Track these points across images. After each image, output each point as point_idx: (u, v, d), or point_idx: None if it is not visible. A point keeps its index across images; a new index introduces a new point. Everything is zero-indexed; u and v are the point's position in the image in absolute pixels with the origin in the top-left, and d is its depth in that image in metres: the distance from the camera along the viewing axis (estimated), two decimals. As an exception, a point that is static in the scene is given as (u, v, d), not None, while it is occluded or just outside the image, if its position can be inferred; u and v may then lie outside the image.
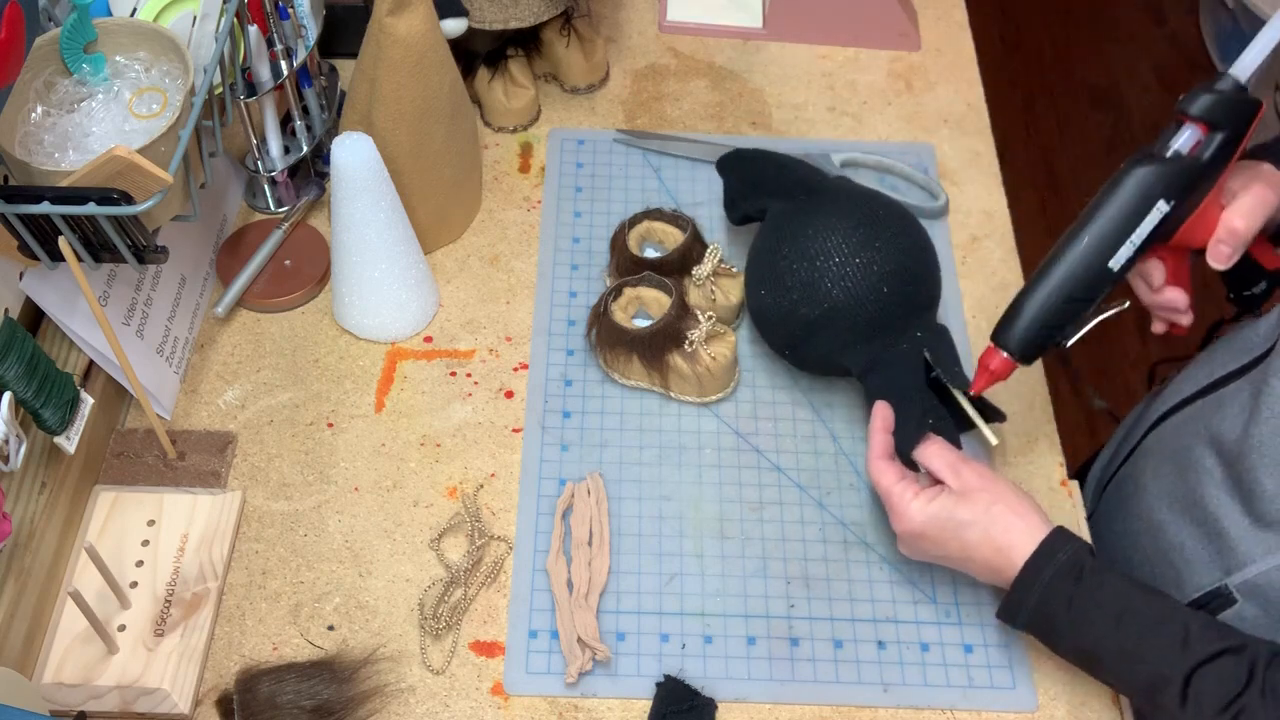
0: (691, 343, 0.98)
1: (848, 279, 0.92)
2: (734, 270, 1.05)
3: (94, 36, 0.85)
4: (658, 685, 0.86)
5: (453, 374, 1.02)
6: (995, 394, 0.91)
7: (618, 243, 1.06)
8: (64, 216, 0.78)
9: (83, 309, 0.89)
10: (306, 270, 1.06)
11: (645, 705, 0.86)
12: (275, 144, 1.09)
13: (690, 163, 1.18)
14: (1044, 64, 2.75)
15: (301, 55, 1.03)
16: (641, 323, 1.00)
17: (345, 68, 1.18)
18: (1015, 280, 1.11)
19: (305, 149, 1.09)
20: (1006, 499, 0.83)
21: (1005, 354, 0.86)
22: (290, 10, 1.01)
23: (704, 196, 1.16)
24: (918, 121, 1.24)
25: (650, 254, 1.07)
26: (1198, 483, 0.90)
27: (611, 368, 1.02)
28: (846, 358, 0.94)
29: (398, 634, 0.88)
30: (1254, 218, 0.82)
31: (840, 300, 0.92)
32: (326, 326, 1.05)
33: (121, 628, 0.85)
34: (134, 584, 0.88)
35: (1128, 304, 0.86)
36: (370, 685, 0.85)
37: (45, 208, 0.77)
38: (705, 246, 1.05)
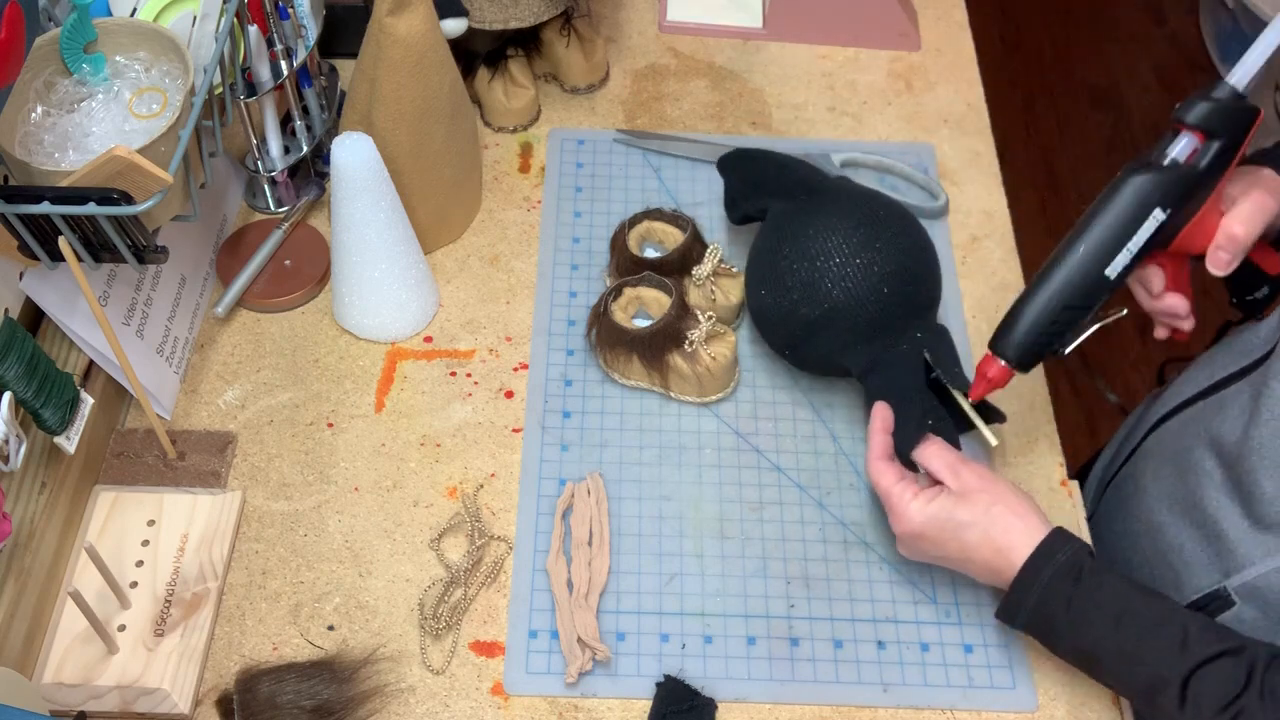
0: (691, 343, 0.98)
1: (848, 279, 0.92)
2: (734, 270, 1.05)
3: (94, 36, 0.85)
4: (658, 685, 0.86)
5: (453, 374, 1.02)
6: (995, 395, 0.91)
7: (618, 243, 1.06)
8: (64, 216, 0.78)
9: (83, 309, 0.89)
10: (306, 270, 1.06)
11: (645, 705, 0.86)
12: (275, 144, 1.09)
13: (690, 163, 1.18)
14: (1044, 64, 2.75)
15: (301, 55, 1.03)
16: (641, 323, 1.00)
17: (345, 68, 1.18)
18: (1015, 280, 1.11)
19: (305, 149, 1.09)
20: (1006, 500, 0.83)
21: (1003, 362, 0.86)
22: (290, 10, 1.01)
23: (704, 196, 1.16)
24: (918, 121, 1.24)
25: (650, 254, 1.07)
26: (1197, 484, 0.90)
27: (611, 368, 1.02)
28: (846, 358, 0.94)
29: (398, 634, 0.88)
30: (1253, 224, 0.82)
31: (840, 300, 0.92)
32: (326, 326, 1.05)
33: (121, 628, 0.85)
34: (134, 584, 0.88)
35: (1125, 311, 0.86)
36: (370, 685, 0.85)
37: (45, 208, 0.77)
38: (705, 246, 1.05)
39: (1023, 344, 0.85)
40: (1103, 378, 2.14)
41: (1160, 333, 0.92)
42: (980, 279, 1.11)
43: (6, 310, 0.84)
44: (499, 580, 0.91)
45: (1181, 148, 0.81)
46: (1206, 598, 0.88)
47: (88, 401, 0.86)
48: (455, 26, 1.06)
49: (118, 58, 0.86)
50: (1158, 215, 0.81)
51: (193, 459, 0.95)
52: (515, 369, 1.03)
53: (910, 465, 0.88)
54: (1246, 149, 0.82)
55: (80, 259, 0.81)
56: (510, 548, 0.93)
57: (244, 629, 0.88)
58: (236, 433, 0.98)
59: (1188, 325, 0.89)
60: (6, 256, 0.83)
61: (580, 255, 1.11)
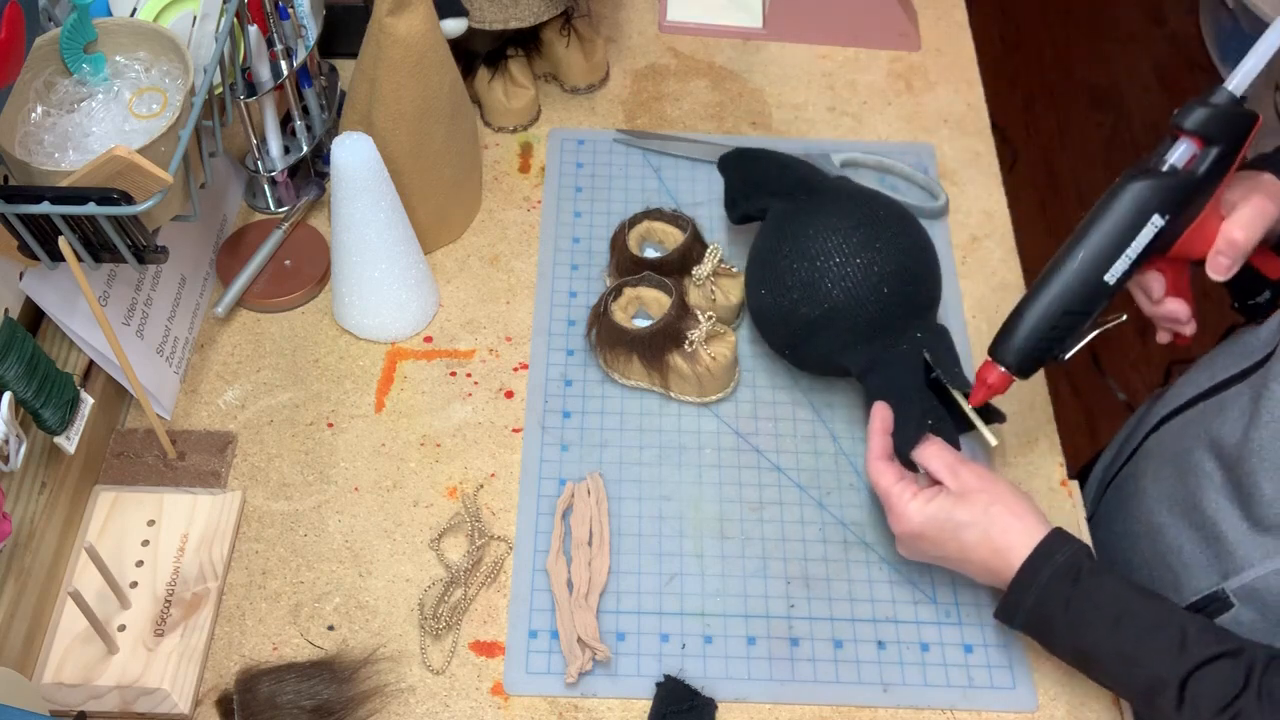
0: (691, 343, 0.98)
1: (848, 279, 0.92)
2: (734, 270, 1.05)
3: (94, 36, 0.85)
4: (658, 685, 0.86)
5: (453, 374, 1.02)
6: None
7: (618, 243, 1.06)
8: (64, 216, 0.78)
9: (83, 309, 0.89)
10: (306, 270, 1.06)
11: (645, 705, 0.86)
12: (275, 144, 1.09)
13: (690, 163, 1.18)
14: (1044, 64, 2.75)
15: (301, 55, 1.03)
16: (641, 323, 1.00)
17: (345, 68, 1.18)
18: (1015, 280, 1.11)
19: (305, 149, 1.09)
20: (1005, 500, 0.83)
21: (1002, 368, 0.86)
22: (290, 10, 1.01)
23: (704, 196, 1.16)
24: (918, 121, 1.24)
25: (650, 254, 1.07)
26: (1197, 486, 0.90)
27: (611, 368, 1.02)
28: (846, 358, 0.94)
29: (398, 634, 0.88)
30: (1253, 229, 0.81)
31: (840, 300, 0.92)
32: (326, 326, 1.05)
33: (121, 628, 0.85)
34: (134, 584, 0.88)
35: (1124, 317, 0.86)
36: (370, 685, 0.85)
37: (45, 208, 0.77)
38: (705, 246, 1.05)
39: (1022, 350, 0.85)
40: (1112, 377, 2.14)
41: (1162, 337, 0.92)
42: (980, 279, 1.11)
43: (6, 310, 0.84)
44: (499, 580, 0.91)
45: (1180, 154, 0.81)
46: (1205, 599, 0.88)
47: (88, 401, 0.86)
48: (455, 26, 1.06)
49: (118, 58, 0.86)
50: (1156, 221, 0.81)
51: (193, 459, 0.95)
52: (515, 369, 1.03)
53: (910, 465, 0.88)
54: (1246, 154, 0.82)
55: (80, 259, 0.81)
56: (510, 548, 0.93)
57: (244, 629, 0.88)
58: (236, 433, 0.98)
59: (1189, 330, 0.89)
60: (6, 256, 0.83)
61: (580, 255, 1.11)
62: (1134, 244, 0.82)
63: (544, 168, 1.17)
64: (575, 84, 1.23)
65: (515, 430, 0.99)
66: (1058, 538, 0.82)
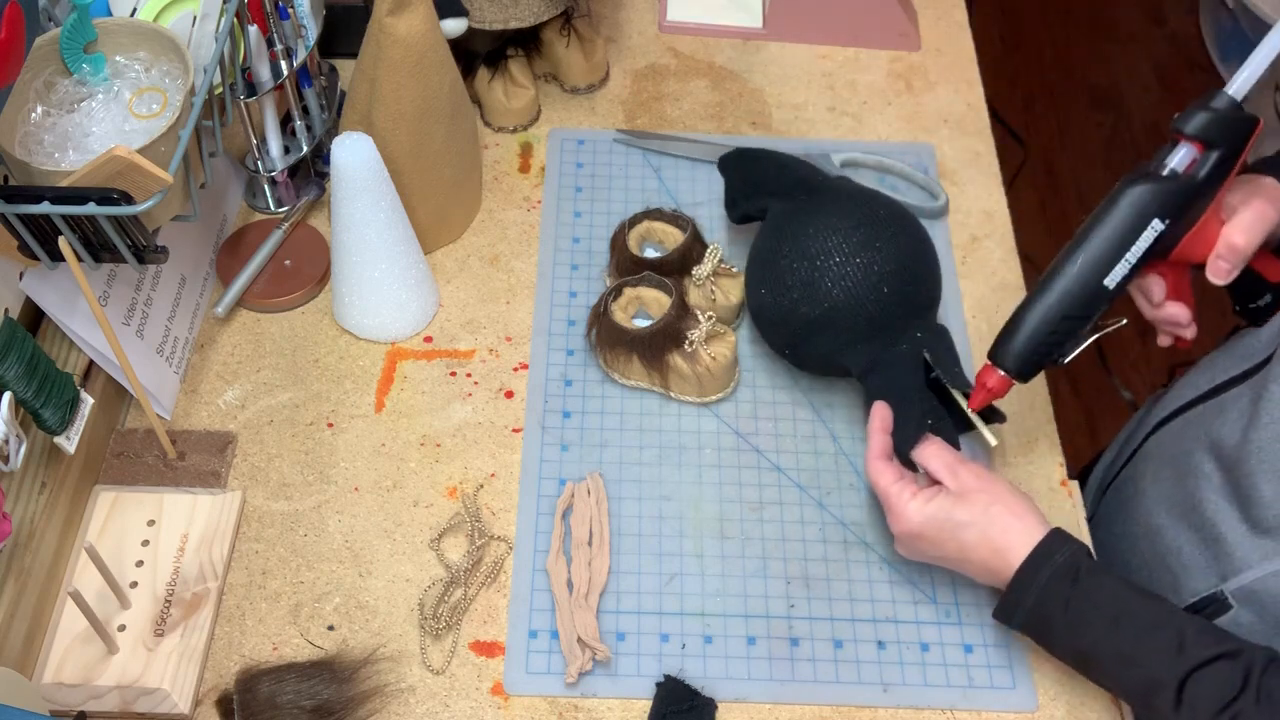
0: (691, 343, 0.98)
1: (848, 279, 0.92)
2: (734, 270, 1.05)
3: (94, 36, 0.85)
4: (658, 685, 0.86)
5: (453, 374, 1.02)
6: (995, 394, 0.91)
7: (618, 243, 1.06)
8: (64, 216, 0.78)
9: (83, 309, 0.89)
10: (306, 270, 1.06)
11: (645, 705, 0.86)
12: (275, 144, 1.09)
13: (690, 163, 1.18)
14: (1044, 64, 2.75)
15: (301, 55, 1.03)
16: (641, 323, 1.00)
17: (345, 68, 1.18)
18: (1015, 280, 1.11)
19: (305, 149, 1.09)
20: (1004, 500, 0.83)
21: (1002, 372, 0.86)
22: (290, 10, 1.01)
23: (704, 196, 1.16)
24: (918, 121, 1.24)
25: (650, 254, 1.07)
26: (1196, 488, 0.90)
27: (611, 368, 1.02)
28: (846, 358, 0.94)
29: (398, 634, 0.88)
30: (1253, 233, 0.81)
31: (840, 300, 0.92)
32: (326, 326, 1.05)
33: (121, 628, 0.85)
34: (134, 584, 0.88)
35: (1124, 321, 0.86)
36: (370, 685, 0.85)
37: (45, 208, 0.77)
38: (705, 246, 1.05)
39: (1022, 354, 0.85)
40: (1118, 376, 2.14)
41: (1163, 340, 0.92)
42: (980, 279, 1.11)
43: (6, 310, 0.84)
44: (499, 580, 0.91)
45: (1180, 158, 0.81)
46: (1204, 601, 0.89)
47: (88, 401, 0.86)
48: (455, 26, 1.06)
49: (118, 58, 0.86)
50: (1156, 226, 0.81)
51: (193, 459, 0.95)
52: (515, 369, 1.03)
53: (909, 465, 0.88)
54: (1246, 158, 0.82)
55: (80, 259, 0.81)
56: (510, 548, 0.93)
57: (244, 629, 0.88)
58: (236, 433, 0.98)
59: (1189, 333, 0.89)
60: (6, 256, 0.83)
61: (580, 255, 1.11)
62: (1134, 248, 0.81)
63: (544, 168, 1.17)
64: (575, 84, 1.23)
65: (515, 430, 0.99)
66: (1057, 538, 0.82)
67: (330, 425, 0.99)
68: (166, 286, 0.99)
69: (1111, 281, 0.82)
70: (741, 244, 1.11)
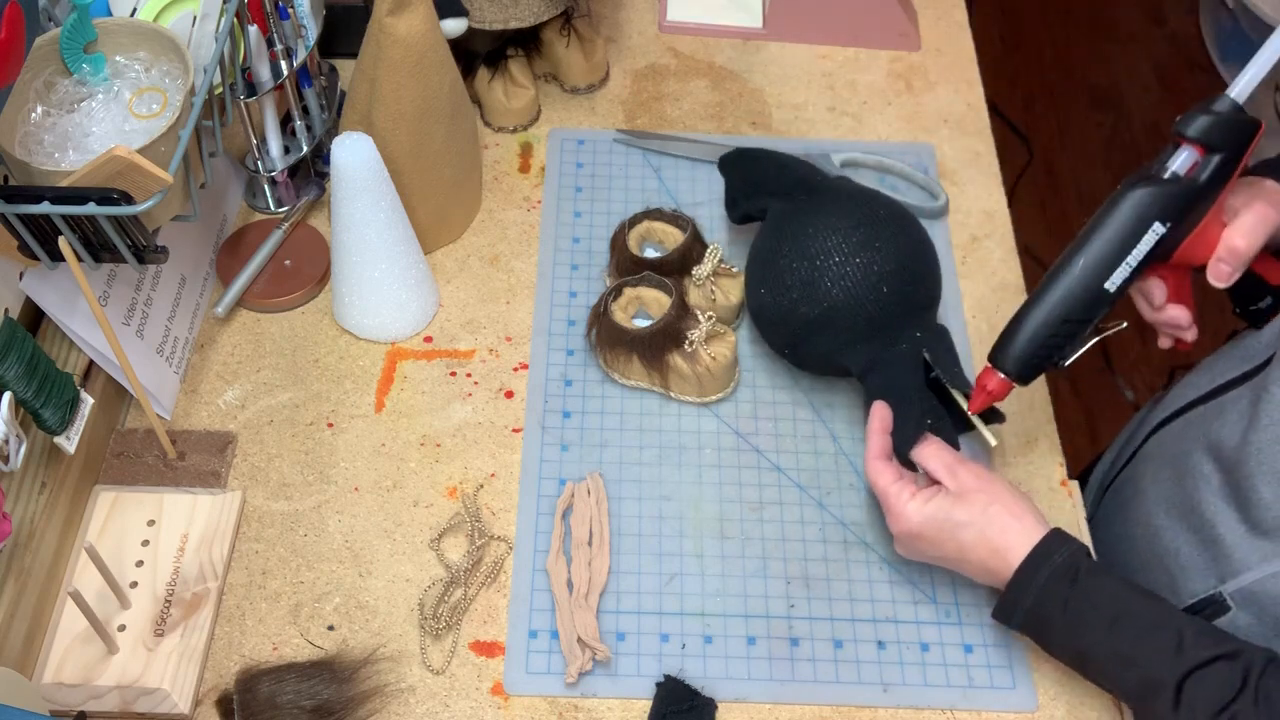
0: (691, 343, 0.98)
1: (847, 278, 0.92)
2: (734, 270, 1.05)
3: (94, 36, 0.85)
4: (658, 685, 0.86)
5: (453, 374, 1.02)
6: (995, 394, 0.91)
7: (618, 243, 1.06)
8: (64, 216, 0.78)
9: (83, 309, 0.89)
10: (306, 270, 1.06)
11: (645, 705, 0.86)
12: (275, 144, 1.09)
13: (690, 163, 1.19)
14: (1044, 64, 2.75)
15: (301, 55, 1.03)
16: (641, 323, 1.00)
17: (345, 68, 1.18)
18: (1015, 280, 1.11)
19: (305, 149, 1.09)
20: (1003, 500, 0.83)
21: (1002, 375, 0.86)
22: (290, 10, 1.01)
23: (704, 196, 1.16)
24: (918, 121, 1.24)
25: (650, 254, 1.08)
26: (1195, 489, 0.90)
27: (611, 368, 1.02)
28: (846, 357, 0.94)
29: (398, 634, 0.88)
30: (1255, 236, 0.81)
31: (840, 300, 0.92)
32: (326, 326, 1.05)
33: (121, 628, 0.85)
34: (134, 584, 0.88)
35: (1125, 324, 0.86)
36: (370, 685, 0.85)
37: (45, 208, 0.77)
38: (705, 246, 1.05)
39: (1022, 357, 0.85)
40: (1121, 376, 2.14)
41: (1164, 343, 0.92)
42: (980, 279, 1.11)
43: (6, 310, 0.84)
44: (499, 580, 0.91)
45: (1182, 161, 0.81)
46: (1202, 602, 0.89)
47: (88, 401, 0.86)
48: (455, 26, 1.06)
49: (118, 58, 0.86)
50: (1157, 229, 0.81)
51: (193, 459, 0.95)
52: (515, 369, 1.03)
53: (909, 465, 0.88)
54: (1248, 161, 0.82)
55: (80, 259, 0.81)
56: (510, 548, 0.93)
57: (244, 629, 0.88)
58: (236, 433, 0.98)
59: (1190, 336, 0.89)
60: (6, 256, 0.83)
61: (580, 255, 1.11)
62: (1135, 251, 0.81)
63: (544, 168, 1.17)
64: (575, 84, 1.23)
65: (515, 430, 0.99)
66: (1056, 538, 0.82)
67: (330, 425, 0.99)
68: (166, 286, 0.99)
69: (1113, 284, 0.82)
70: (741, 244, 1.11)
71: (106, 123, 0.84)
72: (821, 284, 0.92)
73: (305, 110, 1.09)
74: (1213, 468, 0.89)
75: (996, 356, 0.86)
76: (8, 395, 0.78)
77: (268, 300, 1.05)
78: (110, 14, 0.90)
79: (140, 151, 0.77)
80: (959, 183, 1.19)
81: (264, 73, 1.01)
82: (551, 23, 1.20)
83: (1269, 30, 0.78)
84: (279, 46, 1.01)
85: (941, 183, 1.18)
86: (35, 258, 0.82)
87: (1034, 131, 2.59)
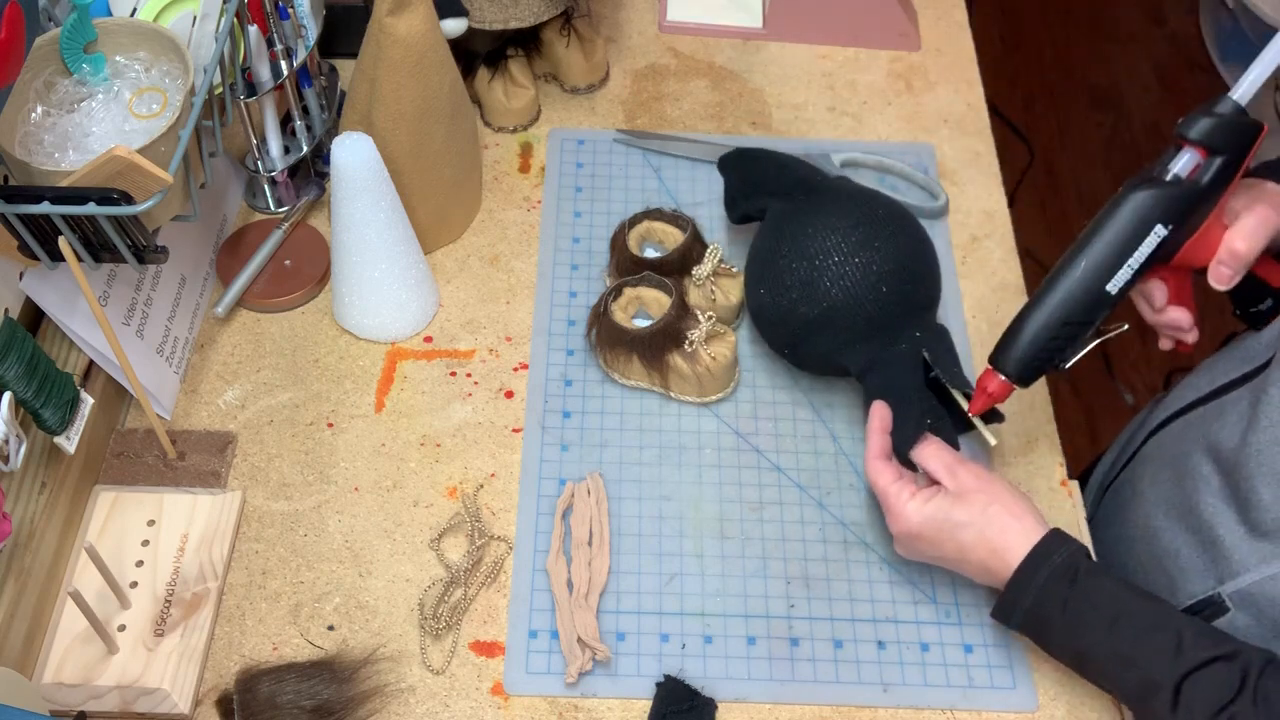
0: (691, 343, 0.98)
1: (846, 278, 0.92)
2: (734, 270, 1.05)
3: (94, 36, 0.85)
4: (658, 685, 0.86)
5: (453, 374, 1.02)
6: (995, 394, 0.91)
7: (618, 243, 1.06)
8: (64, 216, 0.78)
9: (83, 309, 0.89)
10: (306, 270, 1.06)
11: (645, 705, 0.86)
12: (275, 144, 1.09)
13: (690, 163, 1.19)
14: (1044, 64, 2.75)
15: (301, 55, 1.03)
16: (641, 323, 1.00)
17: (345, 68, 1.18)
18: (1015, 280, 1.11)
19: (305, 149, 1.09)
20: (1003, 500, 0.83)
21: (1003, 377, 0.86)
22: (290, 10, 1.01)
23: (704, 196, 1.16)
24: (918, 121, 1.24)
25: (650, 254, 1.08)
26: (1194, 490, 0.90)
27: (611, 368, 1.02)
28: (845, 357, 0.94)
29: (398, 634, 0.88)
30: (1256, 239, 0.81)
31: (839, 299, 0.92)
32: (326, 326, 1.05)
33: (121, 628, 0.85)
34: (134, 584, 0.88)
35: (1126, 327, 0.86)
36: (370, 685, 0.85)
37: (45, 208, 0.77)
38: (705, 246, 1.05)
39: (1023, 359, 0.85)
40: (1120, 379, 2.14)
41: (1164, 345, 0.92)
42: (980, 279, 1.11)
43: (6, 310, 0.84)
44: (499, 580, 0.91)
45: (1184, 163, 0.81)
46: (1201, 604, 0.88)
47: (88, 401, 0.86)
48: (455, 26, 1.06)
49: (118, 58, 0.86)
50: (1159, 231, 0.81)
51: (193, 459, 0.95)
52: (515, 369, 1.03)
53: (909, 465, 0.88)
54: (1250, 163, 0.82)
55: (80, 259, 0.81)
56: (510, 548, 0.93)
57: (244, 629, 0.88)
58: (236, 433, 0.98)
59: (1191, 338, 0.89)
60: (6, 256, 0.83)
61: (580, 255, 1.11)
62: (1137, 253, 0.81)
63: (544, 168, 1.17)
64: (575, 84, 1.23)
65: (515, 430, 0.99)
66: (1056, 538, 0.82)
67: (330, 425, 0.99)
68: (166, 286, 0.99)
69: (1114, 287, 0.82)
70: (741, 244, 1.11)
71: (106, 123, 0.84)
72: (821, 284, 0.92)
73: (305, 110, 1.09)
74: (1212, 469, 0.89)
75: (997, 359, 0.86)
76: (8, 395, 0.78)
77: (268, 300, 1.05)
78: (110, 14, 0.90)
79: (140, 151, 0.77)
80: (959, 183, 1.19)
81: (264, 73, 1.01)
82: (551, 23, 1.20)
83: (1269, 30, 0.78)
84: (279, 46, 1.01)
85: (941, 183, 1.18)
86: (35, 258, 0.82)
87: (1034, 131, 2.59)
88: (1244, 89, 0.79)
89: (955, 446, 0.88)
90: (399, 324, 1.03)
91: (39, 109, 0.83)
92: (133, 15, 0.91)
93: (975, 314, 1.08)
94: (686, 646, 0.88)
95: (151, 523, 0.91)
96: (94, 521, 0.91)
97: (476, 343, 1.04)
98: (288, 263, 1.07)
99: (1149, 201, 0.81)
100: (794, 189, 1.00)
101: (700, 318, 0.99)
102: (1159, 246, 0.81)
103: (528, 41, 1.21)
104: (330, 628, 0.88)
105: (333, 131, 1.10)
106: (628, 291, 1.02)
